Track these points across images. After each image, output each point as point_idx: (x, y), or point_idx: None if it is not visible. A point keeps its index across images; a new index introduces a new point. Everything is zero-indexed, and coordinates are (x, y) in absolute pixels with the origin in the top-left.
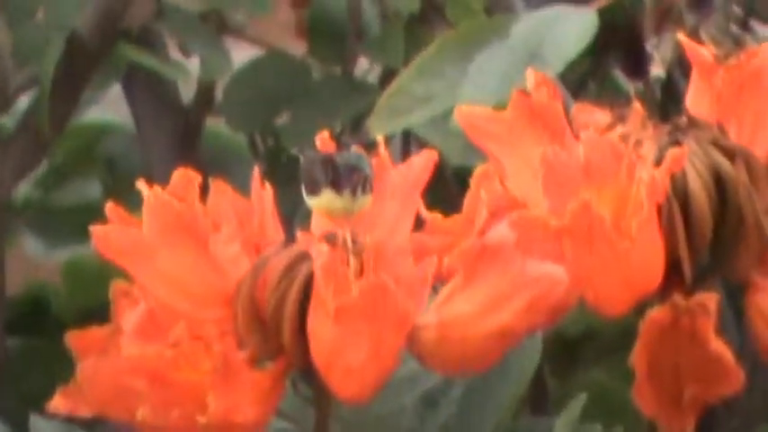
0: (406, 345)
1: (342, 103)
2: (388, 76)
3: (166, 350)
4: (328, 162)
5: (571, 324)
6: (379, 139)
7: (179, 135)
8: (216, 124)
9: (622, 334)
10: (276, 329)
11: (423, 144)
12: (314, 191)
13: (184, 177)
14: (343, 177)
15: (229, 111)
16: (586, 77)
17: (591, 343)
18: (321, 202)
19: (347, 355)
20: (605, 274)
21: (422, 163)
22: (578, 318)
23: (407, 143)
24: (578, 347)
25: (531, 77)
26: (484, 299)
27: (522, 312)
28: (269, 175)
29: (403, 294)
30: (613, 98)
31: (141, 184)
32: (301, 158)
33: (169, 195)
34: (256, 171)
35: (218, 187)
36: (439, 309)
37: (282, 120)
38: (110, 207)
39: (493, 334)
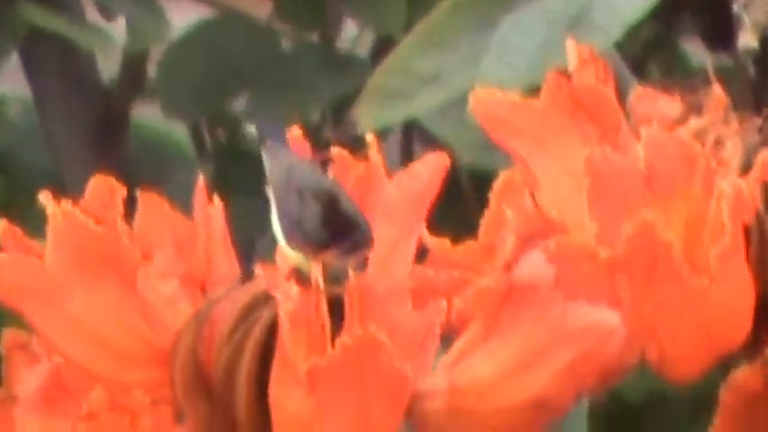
0: (405, 420)
1: (320, 82)
2: (382, 47)
3: (79, 424)
4: (322, 200)
5: (630, 389)
6: (370, 136)
7: (96, 126)
8: (147, 112)
9: (697, 403)
10: (227, 398)
11: (430, 140)
12: (290, 233)
13: (104, 187)
14: (342, 234)
15: (166, 93)
16: (649, 50)
17: (656, 415)
18: (294, 257)
19: (324, 431)
20: (674, 322)
21: (428, 171)
22: (639, 381)
23: (409, 139)
24: (640, 421)
25: (572, 51)
26: (511, 357)
27: (564, 374)
28: (219, 182)
29: (399, 352)
30: (686, 78)
31: (45, 197)
32: (267, 162)
33: (83, 212)
34: (201, 179)
35: (150, 201)
36: (450, 370)
37: (239, 105)
38: (4, 227)
39: (524, 405)
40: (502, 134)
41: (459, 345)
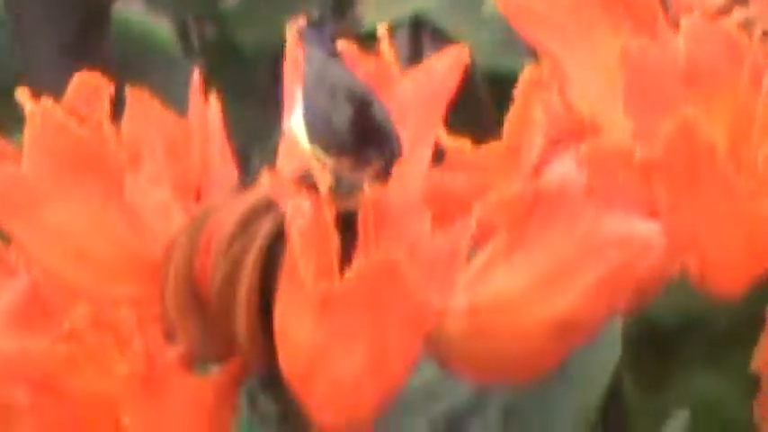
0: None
1: None
2: None
3: (58, 345)
4: (355, 102)
5: (664, 310)
6: (380, 29)
7: (76, 23)
8: (129, 8)
9: (739, 323)
10: (225, 317)
11: (441, 39)
12: (316, 131)
13: (88, 84)
14: (370, 143)
15: None
16: None
17: (693, 337)
18: (312, 153)
19: (335, 362)
20: (718, 230)
21: (445, 67)
22: (675, 301)
23: (418, 37)
24: (675, 344)
25: None
26: (538, 272)
27: (595, 291)
28: (209, 80)
29: (422, 276)
30: None
31: (22, 94)
32: (303, 52)
33: (65, 112)
34: (196, 75)
35: (139, 99)
36: (470, 287)
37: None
38: None
39: (552, 324)
40: (527, 25)
41: (480, 258)
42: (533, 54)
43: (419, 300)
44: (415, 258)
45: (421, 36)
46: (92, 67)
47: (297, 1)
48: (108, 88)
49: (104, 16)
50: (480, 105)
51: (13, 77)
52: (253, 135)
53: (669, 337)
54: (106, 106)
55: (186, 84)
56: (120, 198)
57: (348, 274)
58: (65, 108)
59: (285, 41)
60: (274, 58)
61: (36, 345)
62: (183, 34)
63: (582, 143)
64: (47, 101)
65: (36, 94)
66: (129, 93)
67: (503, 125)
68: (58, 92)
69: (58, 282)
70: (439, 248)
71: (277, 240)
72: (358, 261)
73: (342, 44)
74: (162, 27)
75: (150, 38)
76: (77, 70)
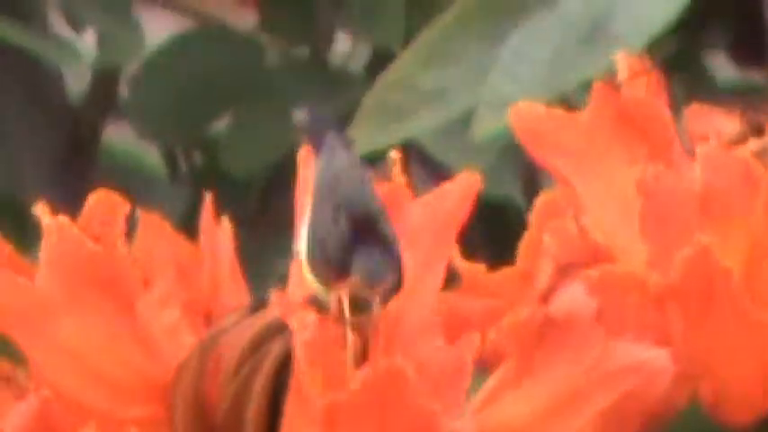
0: None
1: (310, 101)
2: (378, 62)
3: None
4: (357, 221)
5: None
6: (393, 155)
7: (64, 148)
8: (119, 134)
9: None
10: None
11: (430, 164)
12: (314, 251)
13: (104, 203)
14: (369, 270)
15: (139, 114)
16: (672, 66)
17: None
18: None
19: None
20: (731, 358)
21: (458, 192)
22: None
23: (407, 162)
24: None
25: (622, 62)
26: (547, 398)
27: (603, 419)
28: (197, 210)
29: (428, 388)
30: (710, 97)
31: (41, 210)
32: (318, 160)
33: (81, 230)
34: (209, 199)
35: (150, 222)
36: (479, 412)
37: (219, 126)
38: None
39: None
40: (543, 151)
41: (489, 385)
42: (525, 182)
43: (426, 410)
44: (422, 371)
45: (409, 160)
46: (79, 190)
47: (286, 130)
48: (124, 208)
49: (93, 139)
50: (471, 231)
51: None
52: (243, 261)
53: None
54: (121, 226)
55: (173, 210)
56: (132, 318)
57: (353, 383)
58: (80, 225)
59: (274, 167)
60: (263, 185)
61: None
62: (171, 161)
63: (593, 270)
64: (63, 218)
65: (21, 213)
66: (141, 215)
67: (494, 252)
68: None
69: (68, 400)
70: (445, 361)
71: (286, 363)
72: (364, 370)
73: None
74: (150, 153)
75: (138, 163)
76: (64, 190)
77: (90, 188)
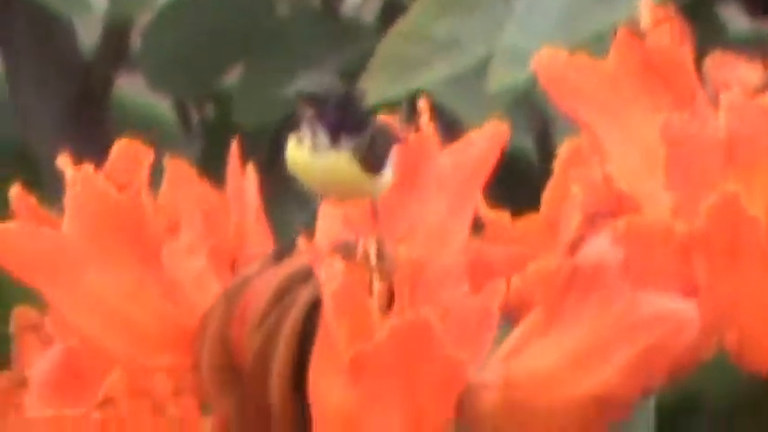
0: (456, 414)
1: (322, 52)
2: (390, 12)
3: (94, 413)
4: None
5: (702, 386)
6: (422, 105)
7: (75, 102)
8: (130, 86)
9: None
10: (260, 387)
11: (441, 115)
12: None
13: (128, 152)
14: (321, 116)
15: (151, 66)
16: (684, 17)
17: (732, 415)
18: (290, 157)
19: (370, 429)
20: (758, 305)
21: (485, 141)
22: (712, 377)
23: (411, 111)
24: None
25: (646, 9)
26: (574, 348)
27: (631, 369)
28: (208, 162)
29: (454, 337)
30: (724, 49)
31: (63, 161)
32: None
33: (105, 179)
34: (234, 145)
35: (177, 169)
36: (506, 361)
37: (231, 78)
38: (17, 194)
39: (586, 401)
40: (567, 98)
41: (516, 334)
42: (538, 133)
43: (452, 360)
44: (448, 320)
45: (415, 109)
46: (91, 143)
47: (296, 78)
48: (148, 156)
49: (104, 92)
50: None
51: (8, 155)
52: (288, 206)
53: (706, 415)
54: (146, 174)
55: (185, 161)
56: (158, 266)
57: (379, 334)
58: (105, 175)
59: (285, 118)
60: (274, 136)
61: (71, 412)
62: (183, 113)
63: (620, 219)
64: (88, 167)
65: (33, 165)
66: (168, 163)
67: (508, 202)
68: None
69: (94, 348)
70: (471, 309)
71: (313, 311)
72: (389, 322)
73: (383, 116)
74: (162, 105)
75: (150, 115)
76: (76, 142)
77: (102, 140)
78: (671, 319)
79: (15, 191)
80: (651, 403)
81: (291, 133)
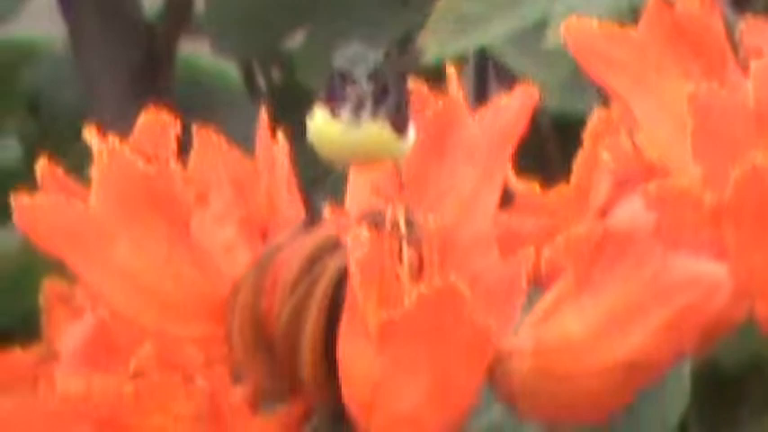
0: (486, 380)
1: (385, 15)
2: None
3: (125, 384)
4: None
5: (732, 353)
6: (449, 67)
7: (139, 66)
8: (195, 50)
9: None
10: (291, 355)
11: (508, 76)
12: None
13: (154, 122)
14: (338, 88)
15: (215, 29)
16: None
17: (760, 380)
18: (314, 129)
19: (397, 396)
20: None
21: (515, 106)
22: (739, 343)
23: (483, 74)
24: (741, 387)
25: None
26: (605, 313)
27: (663, 333)
28: (275, 122)
29: (483, 304)
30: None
31: (90, 133)
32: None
33: (131, 150)
34: (263, 114)
35: (206, 138)
36: (537, 327)
37: (296, 42)
38: (43, 166)
39: (618, 366)
40: (596, 67)
41: (547, 299)
42: (600, 94)
43: (480, 325)
44: (477, 287)
45: (486, 72)
46: (156, 105)
47: (359, 41)
48: (174, 126)
49: (169, 55)
50: (545, 146)
51: (79, 114)
52: (319, 177)
53: (736, 381)
54: (172, 144)
55: (252, 124)
56: (187, 236)
57: (408, 301)
58: (131, 146)
59: None
60: None
61: (103, 384)
62: (249, 76)
63: (650, 185)
64: (114, 139)
65: (100, 131)
66: (197, 132)
67: (568, 167)
68: (121, 129)
69: (125, 320)
70: (500, 277)
71: (343, 279)
72: (418, 289)
73: (412, 82)
74: (228, 68)
75: (216, 78)
76: (141, 108)
77: (168, 103)
78: (703, 282)
79: (42, 163)
80: (686, 369)
81: (309, 103)
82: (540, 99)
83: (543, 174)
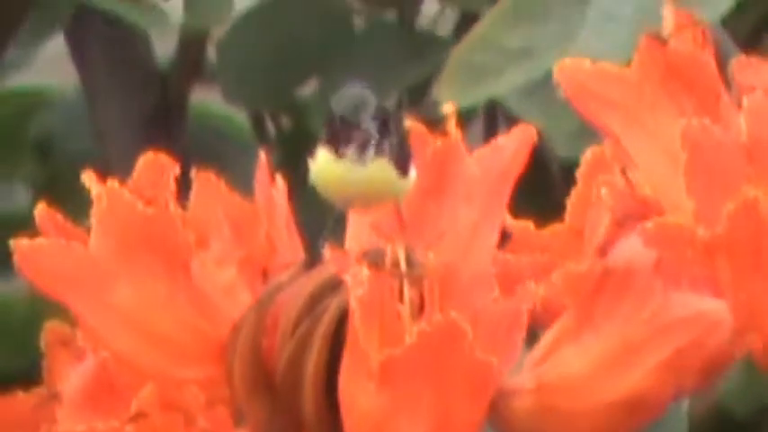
0: (488, 419)
1: (398, 65)
2: (466, 25)
3: (127, 426)
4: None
5: (740, 399)
6: (448, 108)
7: (151, 113)
8: (206, 98)
9: None
10: (292, 397)
11: (517, 121)
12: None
13: (154, 165)
14: (340, 130)
15: (227, 78)
16: (763, 26)
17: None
18: (317, 169)
19: (399, 429)
20: None
21: (513, 146)
22: (750, 390)
23: (493, 123)
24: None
25: (668, 16)
26: (606, 350)
27: (663, 370)
28: (284, 169)
29: (484, 341)
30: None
31: (88, 177)
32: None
33: (132, 193)
34: (263, 157)
35: (205, 181)
36: (538, 365)
37: (307, 90)
38: (42, 211)
39: (618, 404)
40: (590, 106)
41: (547, 338)
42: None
43: (483, 364)
44: (478, 325)
45: (496, 121)
46: (168, 153)
47: (372, 91)
48: (174, 168)
49: (181, 104)
50: (555, 193)
51: (89, 161)
52: (322, 216)
53: (744, 426)
54: (172, 186)
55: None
56: (188, 278)
57: (409, 339)
58: (131, 188)
59: None
60: None
61: (104, 426)
62: (259, 124)
63: (648, 223)
64: (113, 182)
65: (112, 179)
66: (196, 175)
67: None
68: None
69: (126, 362)
70: (501, 314)
71: (343, 320)
72: (419, 326)
73: (410, 122)
74: (238, 116)
75: (225, 124)
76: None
77: (179, 151)
78: (703, 319)
79: (40, 207)
80: (684, 406)
81: (316, 149)
82: (549, 146)
83: (552, 218)
